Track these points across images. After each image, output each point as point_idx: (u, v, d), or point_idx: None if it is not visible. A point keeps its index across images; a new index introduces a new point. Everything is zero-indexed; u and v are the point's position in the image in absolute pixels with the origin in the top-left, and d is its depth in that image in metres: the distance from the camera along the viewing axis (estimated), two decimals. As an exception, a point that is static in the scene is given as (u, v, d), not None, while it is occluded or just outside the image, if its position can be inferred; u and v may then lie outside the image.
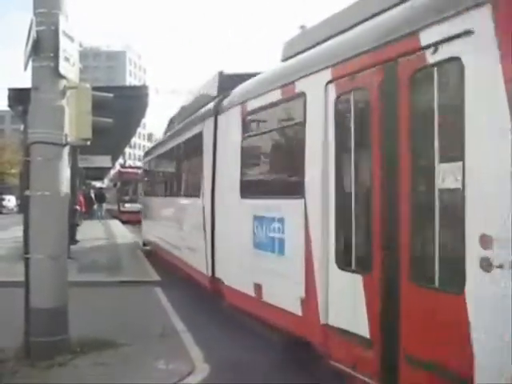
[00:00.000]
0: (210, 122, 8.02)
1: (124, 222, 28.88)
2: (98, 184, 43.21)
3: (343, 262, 4.57)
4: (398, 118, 3.92)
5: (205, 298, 8.48)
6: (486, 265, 3.20)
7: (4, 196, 47.04)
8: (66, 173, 5.89)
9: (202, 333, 6.76)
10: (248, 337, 6.73)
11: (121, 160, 41.42)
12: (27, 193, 5.67)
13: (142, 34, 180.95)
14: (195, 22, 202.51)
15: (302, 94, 5.19)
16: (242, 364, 5.74)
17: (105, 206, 35.40)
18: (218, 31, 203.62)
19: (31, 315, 5.56)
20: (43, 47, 5.52)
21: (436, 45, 3.59)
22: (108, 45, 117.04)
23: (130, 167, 40.01)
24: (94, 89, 6.42)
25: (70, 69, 5.72)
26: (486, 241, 3.20)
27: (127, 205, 31.11)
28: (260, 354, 6.08)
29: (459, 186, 3.41)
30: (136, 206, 27.13)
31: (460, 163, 3.40)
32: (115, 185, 36.05)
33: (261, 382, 5.32)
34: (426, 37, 3.67)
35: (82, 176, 24.21)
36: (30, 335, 5.52)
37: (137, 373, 5.18)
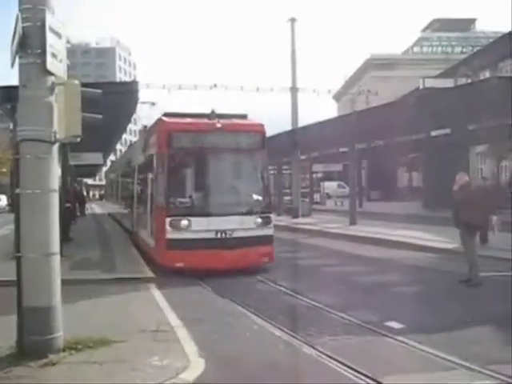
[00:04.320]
0: None
1: (169, 270, 10.78)
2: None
3: None
4: None
5: (199, 293, 8.48)
6: None
7: (-5, 195, 46.64)
8: (56, 170, 5.84)
9: (197, 328, 6.76)
10: (244, 332, 6.74)
11: (112, 157, 40.64)
12: (17, 191, 5.63)
13: (131, 29, 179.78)
14: (185, 15, 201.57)
15: None
16: (237, 359, 5.76)
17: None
18: (210, 25, 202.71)
19: (24, 314, 5.52)
20: (30, 44, 5.45)
21: None
22: (97, 41, 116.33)
23: (186, 116, 12.36)
24: (83, 85, 6.35)
25: (57, 65, 5.66)
26: None
27: (186, 222, 10.83)
28: (256, 349, 6.11)
29: None
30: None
31: None
32: (148, 167, 13.54)
33: (256, 377, 5.33)
34: None
35: (73, 173, 24.11)
36: (23, 334, 5.49)
37: (131, 370, 5.15)
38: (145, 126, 19.29)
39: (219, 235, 10.81)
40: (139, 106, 28.04)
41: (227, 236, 10.83)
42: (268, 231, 11.55)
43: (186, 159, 11.85)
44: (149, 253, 12.72)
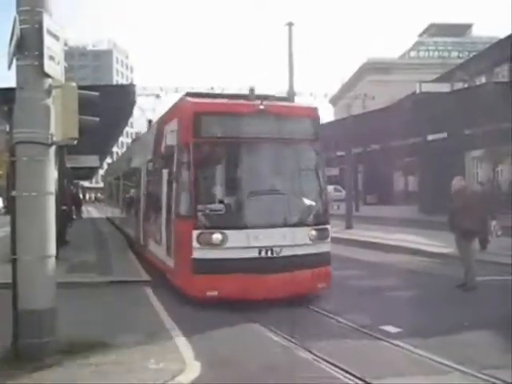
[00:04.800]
0: None
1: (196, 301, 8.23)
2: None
3: None
4: None
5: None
6: None
7: (-9, 197, 46.41)
8: (53, 173, 5.83)
9: (193, 331, 6.74)
10: (239, 335, 6.74)
11: (109, 159, 40.53)
12: (13, 193, 5.61)
13: (129, 31, 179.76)
14: (183, 18, 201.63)
15: None
16: (233, 362, 5.75)
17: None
18: (207, 28, 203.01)
19: (19, 317, 5.50)
20: (27, 46, 5.45)
21: None
22: (94, 44, 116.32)
23: (215, 96, 10.22)
24: (81, 88, 6.36)
25: (55, 67, 5.66)
26: None
27: (220, 236, 8.03)
28: (252, 351, 6.10)
29: None
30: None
31: None
32: (164, 163, 10.38)
33: (252, 379, 5.32)
34: None
35: (69, 176, 24.03)
36: (19, 337, 5.47)
37: (128, 372, 5.14)
38: (149, 121, 17.30)
39: (264, 254, 8.10)
40: (144, 99, 27.51)
41: (274, 255, 8.14)
42: (324, 247, 8.79)
43: (218, 152, 8.85)
44: (165, 274, 9.78)
